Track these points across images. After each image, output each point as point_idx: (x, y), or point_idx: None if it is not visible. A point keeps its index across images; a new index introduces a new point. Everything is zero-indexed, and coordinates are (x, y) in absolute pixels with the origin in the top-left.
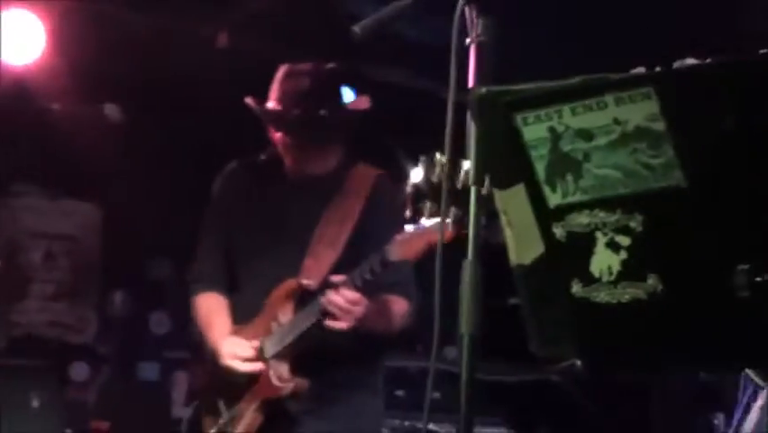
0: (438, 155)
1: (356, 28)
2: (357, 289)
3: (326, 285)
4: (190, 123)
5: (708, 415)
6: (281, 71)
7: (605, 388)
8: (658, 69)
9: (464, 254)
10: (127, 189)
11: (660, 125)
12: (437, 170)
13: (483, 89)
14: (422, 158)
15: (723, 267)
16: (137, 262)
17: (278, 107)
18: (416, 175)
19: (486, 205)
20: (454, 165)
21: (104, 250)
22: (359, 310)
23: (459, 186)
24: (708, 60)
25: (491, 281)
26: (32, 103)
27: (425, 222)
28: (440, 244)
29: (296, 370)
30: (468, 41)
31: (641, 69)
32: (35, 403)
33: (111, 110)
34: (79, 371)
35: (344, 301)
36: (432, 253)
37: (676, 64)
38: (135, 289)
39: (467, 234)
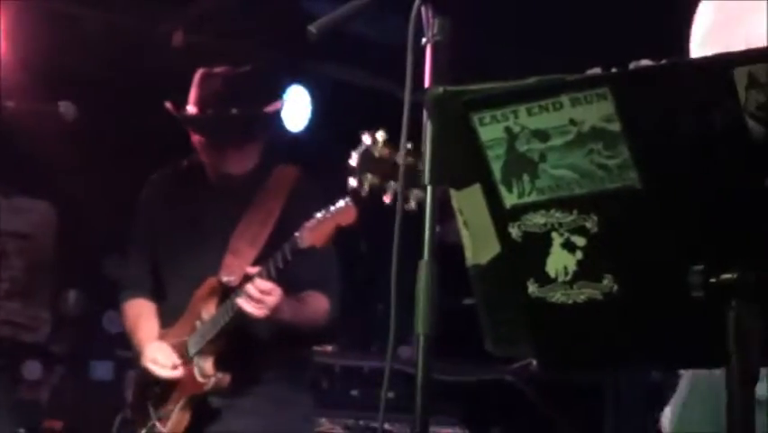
0: (380, 133)
1: (312, 27)
2: (272, 280)
3: (245, 279)
4: (145, 120)
5: (656, 414)
6: (198, 75)
7: (559, 388)
8: (614, 69)
9: (420, 255)
10: (82, 187)
11: (615, 126)
12: (379, 145)
13: (440, 89)
14: (365, 134)
15: (678, 267)
16: (91, 261)
17: (194, 110)
18: (360, 149)
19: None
20: (394, 145)
21: (58, 248)
22: (272, 300)
23: (399, 161)
24: (663, 61)
25: (447, 281)
26: None
27: (332, 207)
28: (397, 234)
29: (219, 365)
30: (424, 40)
31: (597, 70)
32: None
33: (66, 108)
34: (32, 370)
35: (257, 291)
36: (338, 234)
37: (632, 65)
38: (89, 287)
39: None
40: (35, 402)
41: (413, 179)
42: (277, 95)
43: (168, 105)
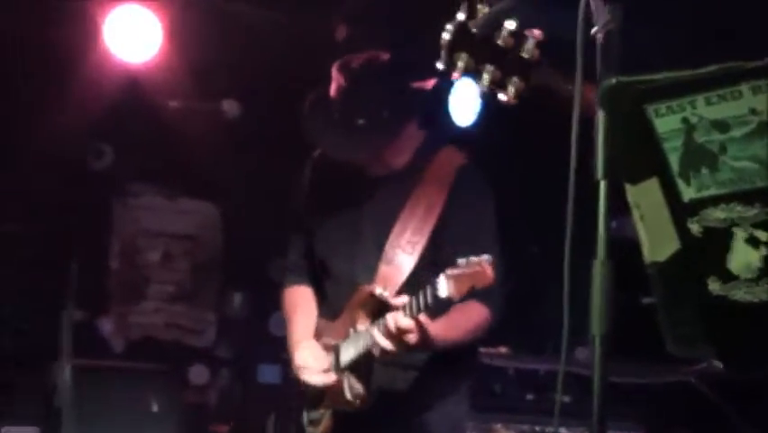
0: (481, 3)
1: (472, 24)
2: (413, 317)
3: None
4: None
5: None
6: (336, 66)
7: (746, 390)
8: None
9: (595, 252)
10: (246, 188)
11: None
12: (480, 20)
13: (613, 80)
14: (464, 3)
15: None
16: (257, 262)
17: (338, 102)
18: (457, 21)
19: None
20: (520, 35)
21: (223, 250)
22: (412, 338)
23: (526, 54)
24: None
25: (623, 279)
26: (148, 101)
27: (473, 258)
28: (569, 232)
29: (368, 381)
30: (593, 30)
31: None
32: (154, 407)
33: (229, 106)
34: (198, 374)
35: (395, 327)
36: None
37: None
38: (255, 289)
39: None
40: (202, 406)
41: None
42: (434, 74)
43: (311, 99)
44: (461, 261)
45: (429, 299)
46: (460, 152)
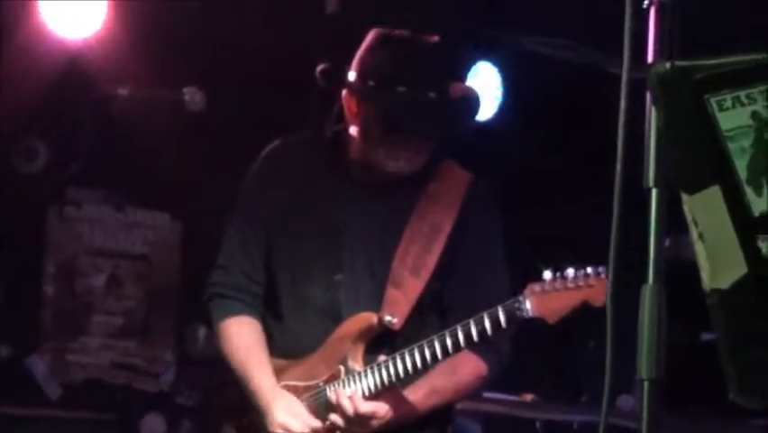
0: None
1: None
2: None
3: (414, 324)
4: (288, 109)
5: None
6: (377, 35)
7: None
8: None
9: (644, 277)
10: (213, 196)
11: None
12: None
13: (666, 64)
14: None
15: None
16: None
17: (371, 82)
18: None
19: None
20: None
21: (183, 273)
22: (373, 424)
23: None
24: None
25: (678, 311)
26: (92, 87)
27: (570, 271)
28: (613, 252)
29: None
30: (646, 3)
31: None
32: None
33: (191, 95)
34: (153, 425)
35: (352, 412)
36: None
37: None
38: None
39: None
40: None
41: None
42: (462, 75)
43: (325, 66)
44: (558, 273)
45: (504, 323)
46: (463, 168)
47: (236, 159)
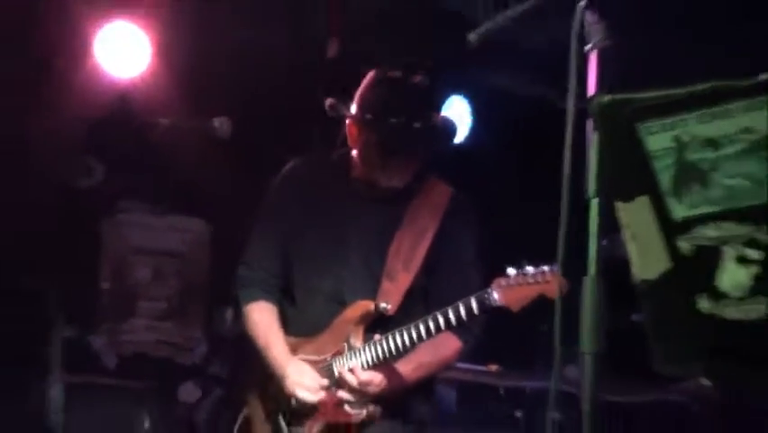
0: None
1: (472, 36)
2: (456, 325)
3: (404, 311)
4: (301, 134)
5: None
6: (374, 76)
7: (734, 409)
8: None
9: (586, 270)
10: (237, 205)
11: None
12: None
13: (606, 97)
14: None
15: None
16: None
17: (369, 114)
18: None
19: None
20: None
21: (213, 267)
22: (371, 390)
23: None
24: None
25: (613, 297)
26: (138, 118)
27: (529, 268)
28: (561, 250)
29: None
30: (588, 46)
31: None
32: (146, 424)
33: (220, 123)
34: (189, 391)
35: (356, 381)
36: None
37: None
38: None
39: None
40: (192, 425)
41: None
42: (440, 106)
43: (332, 102)
44: (520, 270)
45: (476, 310)
46: (446, 184)
47: (256, 176)
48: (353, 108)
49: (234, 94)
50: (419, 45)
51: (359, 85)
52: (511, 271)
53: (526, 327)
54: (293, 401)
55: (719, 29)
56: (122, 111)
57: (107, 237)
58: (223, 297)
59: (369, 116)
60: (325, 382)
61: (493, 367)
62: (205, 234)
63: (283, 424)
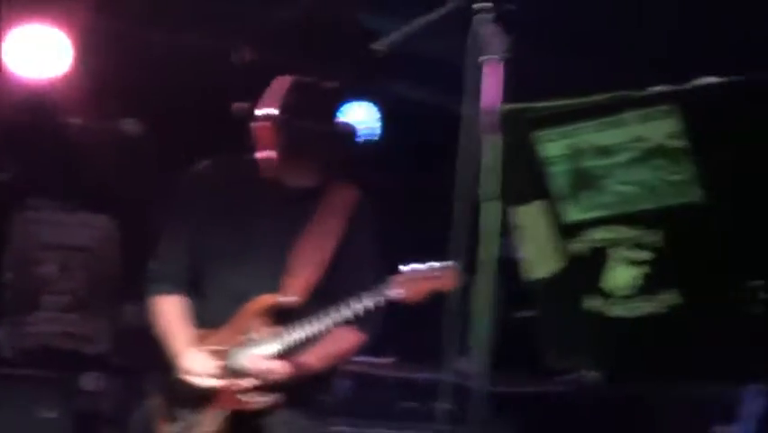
0: None
1: (378, 45)
2: (348, 323)
3: (306, 305)
4: (209, 136)
5: (712, 427)
6: (285, 81)
7: (612, 399)
8: (679, 86)
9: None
10: (145, 202)
11: (681, 143)
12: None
13: (506, 106)
14: None
15: (739, 283)
16: None
17: (279, 116)
18: None
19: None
20: None
21: (120, 262)
22: (272, 379)
23: None
24: (730, 78)
25: (504, 295)
26: (51, 117)
27: (427, 264)
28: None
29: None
30: (484, 58)
31: (661, 87)
32: (45, 414)
33: (129, 124)
34: (90, 381)
35: (259, 372)
36: (434, 296)
37: (697, 82)
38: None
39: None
40: (96, 414)
41: None
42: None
43: (240, 105)
44: (418, 266)
45: (371, 305)
46: (352, 186)
47: (167, 175)
48: (264, 111)
49: (144, 98)
50: (329, 54)
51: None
52: (410, 266)
53: (420, 320)
54: (191, 389)
55: (610, 44)
56: (35, 111)
57: (15, 233)
58: (131, 290)
59: (280, 118)
60: (219, 369)
61: (388, 360)
62: (115, 231)
63: (184, 412)
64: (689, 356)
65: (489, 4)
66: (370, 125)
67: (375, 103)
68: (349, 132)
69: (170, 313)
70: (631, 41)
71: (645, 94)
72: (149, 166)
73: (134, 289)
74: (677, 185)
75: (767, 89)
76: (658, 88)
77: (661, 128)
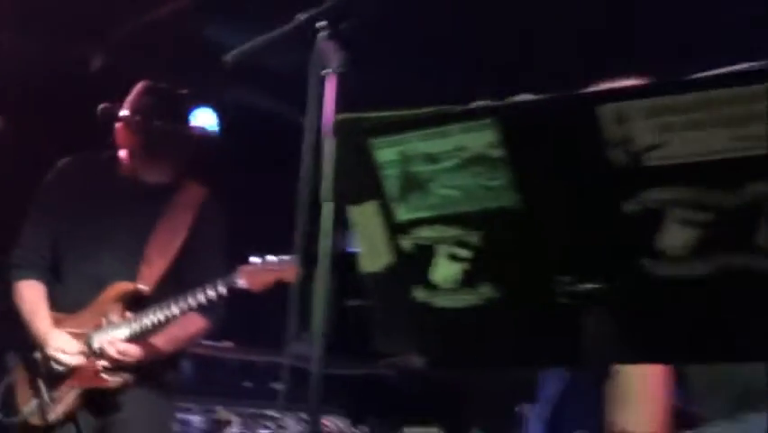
0: None
1: (227, 57)
2: (188, 311)
3: (159, 293)
4: (64, 135)
5: (514, 406)
6: (143, 86)
7: (429, 380)
8: (497, 102)
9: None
10: (11, 195)
11: (498, 152)
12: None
13: (343, 115)
14: None
15: (548, 278)
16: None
17: (138, 117)
18: None
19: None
20: None
21: None
22: (127, 360)
23: None
24: (543, 96)
25: (340, 285)
26: None
27: (270, 257)
28: (299, 245)
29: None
30: (324, 71)
31: (483, 102)
32: None
33: None
34: None
35: (116, 352)
36: (276, 286)
37: (515, 98)
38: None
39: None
40: None
41: None
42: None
43: (105, 106)
44: (262, 259)
45: (224, 291)
46: (201, 186)
47: (28, 169)
48: (124, 112)
49: (7, 95)
50: (181, 63)
51: (123, 94)
52: (255, 259)
53: (259, 308)
54: (53, 367)
55: (440, 63)
56: None
57: None
58: None
59: (137, 119)
60: (82, 349)
61: (227, 343)
62: None
63: (43, 388)
64: (501, 344)
65: (326, 23)
66: (212, 129)
67: (215, 109)
68: (199, 134)
69: (33, 297)
70: (457, 61)
71: (467, 108)
72: (15, 162)
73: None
74: (494, 190)
75: (571, 107)
76: (479, 104)
77: (481, 139)
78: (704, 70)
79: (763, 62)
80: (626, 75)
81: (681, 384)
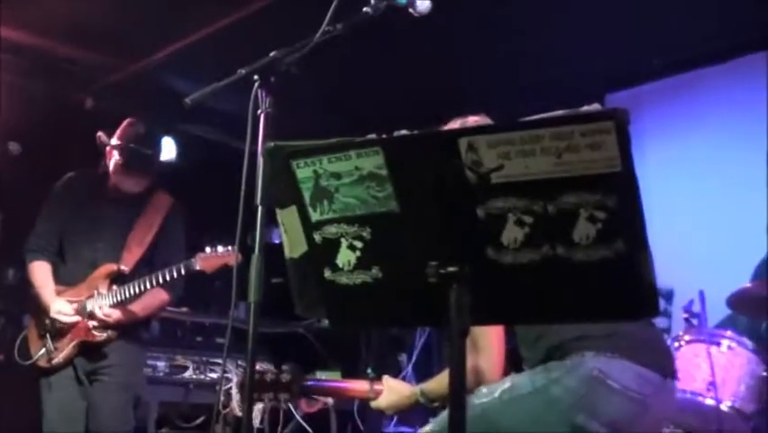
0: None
1: (188, 99)
2: (158, 286)
3: (136, 272)
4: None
5: (396, 355)
6: (127, 121)
7: (333, 337)
8: (384, 136)
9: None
10: (25, 202)
11: (384, 172)
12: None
13: (271, 144)
14: None
15: (422, 263)
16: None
17: (120, 143)
18: None
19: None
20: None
21: (4, 241)
22: (111, 321)
23: None
24: (416, 132)
25: (269, 267)
26: None
27: (219, 247)
28: (238, 238)
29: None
30: (259, 111)
31: (373, 136)
32: None
33: (13, 146)
34: None
35: (104, 316)
36: (222, 268)
37: (395, 133)
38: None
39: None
40: None
41: None
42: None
43: (102, 135)
44: (212, 249)
45: (183, 271)
46: (169, 195)
47: (39, 182)
48: (113, 141)
49: (25, 126)
50: (152, 104)
51: (110, 127)
52: (208, 249)
53: (209, 284)
54: (56, 324)
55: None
56: None
57: None
58: (8, 259)
59: (120, 144)
60: (79, 311)
61: (184, 309)
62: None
63: (49, 340)
64: (387, 310)
65: (259, 76)
66: (173, 155)
67: (176, 139)
68: (168, 158)
69: (42, 274)
70: (353, 105)
71: (362, 140)
72: (29, 176)
73: (14, 258)
74: (381, 199)
75: (438, 139)
76: (370, 136)
77: (371, 162)
78: (531, 114)
79: (570, 110)
80: (473, 113)
81: (513, 336)
